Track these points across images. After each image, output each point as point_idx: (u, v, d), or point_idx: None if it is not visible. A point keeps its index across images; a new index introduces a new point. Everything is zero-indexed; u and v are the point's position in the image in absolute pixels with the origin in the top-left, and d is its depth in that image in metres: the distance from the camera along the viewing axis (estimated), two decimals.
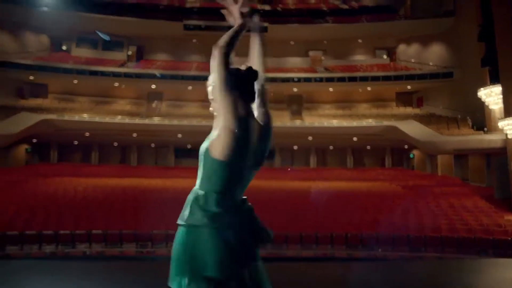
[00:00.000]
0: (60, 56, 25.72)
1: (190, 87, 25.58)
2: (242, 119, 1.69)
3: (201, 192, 1.68)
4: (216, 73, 1.70)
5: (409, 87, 25.34)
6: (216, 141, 1.68)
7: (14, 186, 14.86)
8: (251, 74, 1.85)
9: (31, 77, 23.84)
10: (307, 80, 25.23)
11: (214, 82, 1.75)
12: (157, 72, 24.90)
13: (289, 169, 24.31)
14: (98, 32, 23.44)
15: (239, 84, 1.75)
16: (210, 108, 1.82)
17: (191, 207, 1.67)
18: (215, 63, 1.70)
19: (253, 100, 1.82)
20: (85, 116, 23.00)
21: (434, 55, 25.26)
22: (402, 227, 10.73)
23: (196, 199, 1.68)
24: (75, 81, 24.42)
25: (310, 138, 23.88)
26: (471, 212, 12.42)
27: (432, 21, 24.10)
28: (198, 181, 1.73)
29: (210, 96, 1.82)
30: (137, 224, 10.62)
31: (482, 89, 16.95)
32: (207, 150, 1.71)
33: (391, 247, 10.09)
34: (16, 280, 4.41)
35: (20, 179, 16.28)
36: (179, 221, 1.68)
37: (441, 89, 24.34)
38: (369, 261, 9.55)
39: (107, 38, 24.31)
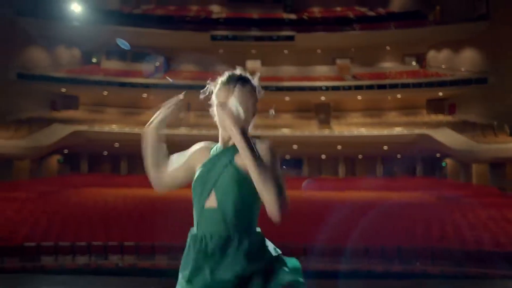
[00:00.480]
0: (90, 69, 26.27)
1: None
2: None
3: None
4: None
5: (440, 93, 24.67)
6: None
7: (47, 197, 15.10)
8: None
9: (63, 90, 24.43)
10: (335, 88, 24.91)
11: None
12: (184, 83, 25.09)
13: (304, 185, 23.30)
14: (118, 41, 23.76)
15: None
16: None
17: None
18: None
19: None
20: (115, 127, 23.33)
21: (466, 60, 24.54)
22: (440, 240, 10.28)
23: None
24: (105, 93, 24.87)
25: (339, 147, 23.50)
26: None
27: (464, 26, 23.46)
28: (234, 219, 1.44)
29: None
30: (169, 235, 10.55)
31: None
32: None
33: (431, 261, 9.65)
34: None
35: (53, 190, 16.56)
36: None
37: (474, 95, 23.57)
38: (409, 277, 9.16)
39: (127, 47, 24.57)
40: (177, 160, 1.65)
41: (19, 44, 23.41)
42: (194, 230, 1.49)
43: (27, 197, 14.60)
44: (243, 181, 1.41)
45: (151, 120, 1.69)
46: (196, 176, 1.51)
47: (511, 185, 19.63)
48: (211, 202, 1.44)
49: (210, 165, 1.49)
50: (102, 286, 5.07)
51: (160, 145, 1.70)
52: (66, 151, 24.26)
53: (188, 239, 1.51)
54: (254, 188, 1.36)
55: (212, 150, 1.56)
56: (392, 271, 9.61)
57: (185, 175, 1.61)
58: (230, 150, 1.49)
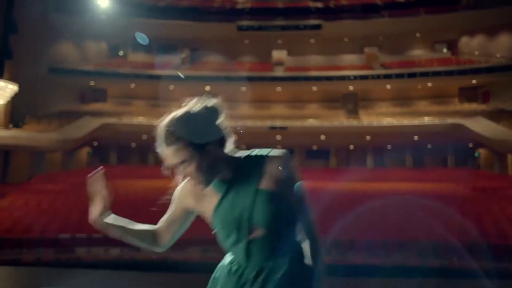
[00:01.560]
0: (117, 62, 26.53)
1: (244, 88, 25.51)
2: None
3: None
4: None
5: (474, 81, 23.81)
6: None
7: (79, 188, 15.35)
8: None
9: (92, 83, 24.78)
10: (363, 77, 24.38)
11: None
12: (210, 74, 25.07)
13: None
14: (137, 36, 23.78)
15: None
16: None
17: None
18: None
19: None
20: (142, 120, 23.54)
21: (502, 46, 23.57)
22: (479, 235, 9.91)
23: None
24: (132, 85, 25.08)
25: (367, 137, 23.05)
26: None
27: (499, 10, 22.49)
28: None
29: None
30: (200, 228, 10.54)
31: None
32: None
33: (470, 256, 9.30)
34: None
35: (84, 182, 16.81)
36: None
37: (510, 82, 22.65)
38: (445, 272, 8.86)
39: (146, 41, 24.55)
40: (168, 218, 1.54)
41: (49, 40, 23.82)
42: (234, 268, 1.37)
43: (61, 189, 14.89)
44: (281, 203, 1.31)
45: (93, 215, 1.45)
46: (218, 219, 1.39)
47: None
48: (256, 234, 1.31)
49: (231, 201, 1.36)
50: (136, 280, 5.06)
51: (128, 228, 1.53)
52: (95, 143, 24.67)
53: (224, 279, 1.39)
54: (291, 206, 1.33)
55: (201, 188, 1.39)
56: (428, 266, 9.34)
57: (184, 224, 1.56)
58: (246, 179, 1.35)
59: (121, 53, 28.46)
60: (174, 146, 1.31)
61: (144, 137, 23.77)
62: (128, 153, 26.78)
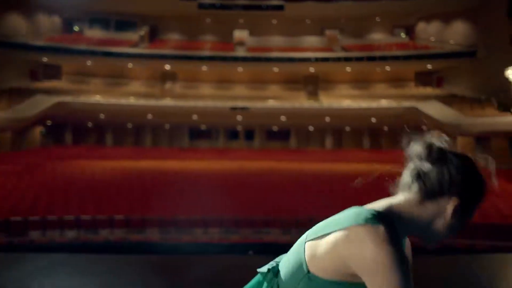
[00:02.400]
0: (73, 37, 25.38)
1: (204, 68, 25.17)
2: None
3: None
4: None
5: (429, 66, 24.61)
6: None
7: (32, 169, 14.75)
8: None
9: (45, 59, 23.59)
10: (325, 60, 24.63)
11: None
12: (170, 52, 24.50)
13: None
14: None
15: None
16: None
17: None
18: None
19: None
20: (99, 98, 22.79)
21: (457, 33, 24.40)
22: None
23: None
24: (89, 62, 24.13)
25: (327, 119, 23.43)
26: (501, 196, 12.01)
27: None
28: None
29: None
30: (160, 208, 10.43)
31: (509, 68, 16.30)
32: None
33: None
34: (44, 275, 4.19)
35: (37, 162, 16.19)
36: None
37: (463, 68, 23.58)
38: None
39: None
40: None
41: None
42: None
43: (12, 170, 14.24)
44: None
45: None
46: None
47: (494, 157, 19.94)
48: None
49: None
50: (92, 263, 4.95)
51: None
52: (49, 122, 23.68)
53: None
54: None
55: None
56: None
57: None
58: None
59: (76, 28, 27.21)
60: None
61: (102, 116, 23.13)
62: (85, 133, 25.93)
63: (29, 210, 9.95)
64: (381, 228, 0.89)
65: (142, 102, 22.86)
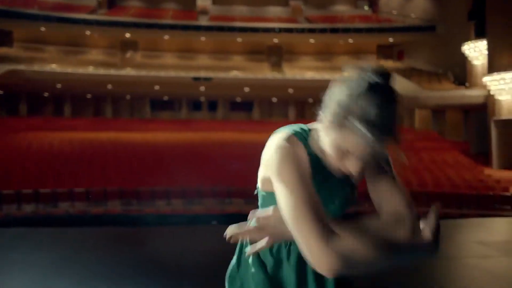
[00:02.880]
0: (24, 1, 23.89)
1: (166, 36, 24.48)
2: None
3: None
4: None
5: (391, 39, 25.02)
6: None
7: None
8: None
9: None
10: (288, 30, 24.50)
11: None
12: (130, 20, 23.62)
13: None
14: None
15: None
16: None
17: None
18: None
19: None
20: (55, 67, 21.80)
21: (418, 7, 24.83)
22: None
23: None
24: (43, 29, 22.90)
25: (290, 90, 23.54)
26: (453, 167, 12.64)
27: None
28: None
29: None
30: (121, 180, 10.30)
31: (466, 44, 16.82)
32: None
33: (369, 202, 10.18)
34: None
35: None
36: None
37: (423, 43, 24.15)
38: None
39: None
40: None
41: None
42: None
43: None
44: None
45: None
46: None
47: (449, 130, 20.83)
48: None
49: None
50: (52, 237, 4.87)
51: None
52: (1, 92, 22.52)
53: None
54: None
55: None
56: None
57: None
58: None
59: None
60: None
61: (59, 85, 22.20)
62: (41, 103, 24.89)
63: None
64: (291, 137, 0.97)
65: (101, 71, 22.07)
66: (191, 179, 10.23)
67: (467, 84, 19.19)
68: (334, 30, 24.23)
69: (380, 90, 0.88)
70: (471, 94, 17.34)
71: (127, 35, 24.36)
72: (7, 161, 11.35)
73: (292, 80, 23.42)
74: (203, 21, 25.05)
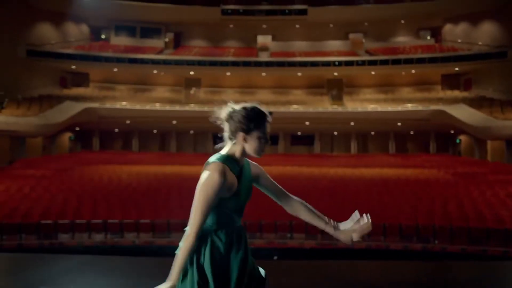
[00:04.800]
0: (100, 45, 25.99)
1: (228, 73, 25.34)
2: None
3: None
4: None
5: (456, 68, 24.07)
6: None
7: (61, 174, 15.12)
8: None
9: (73, 66, 24.26)
10: (349, 63, 24.39)
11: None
12: (194, 58, 24.77)
13: None
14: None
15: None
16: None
17: None
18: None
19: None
20: (126, 104, 23.21)
21: (485, 34, 23.82)
22: (459, 218, 10.12)
23: None
24: (115, 69, 24.65)
25: (352, 123, 23.18)
26: None
27: None
28: None
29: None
30: (184, 213, 10.51)
31: None
32: None
33: (450, 239, 9.52)
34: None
35: (66, 167, 16.58)
36: None
37: (492, 70, 22.98)
38: (428, 255, 9.06)
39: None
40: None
41: (28, 20, 23.15)
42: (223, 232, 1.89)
43: (42, 175, 14.64)
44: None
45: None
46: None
47: None
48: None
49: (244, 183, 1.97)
50: (119, 265, 5.03)
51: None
52: (77, 128, 24.27)
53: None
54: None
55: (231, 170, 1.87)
56: (410, 249, 9.52)
57: None
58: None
59: (103, 36, 27.88)
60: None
61: (128, 122, 23.55)
62: (112, 138, 26.46)
63: (59, 214, 10.18)
64: (217, 164, 1.79)
65: (167, 107, 23.16)
66: (251, 212, 10.21)
67: None
68: (395, 61, 23.78)
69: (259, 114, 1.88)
70: None
71: (191, 72, 25.52)
72: (80, 193, 12.03)
73: (353, 112, 23.11)
74: (264, 57, 25.69)
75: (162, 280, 1.85)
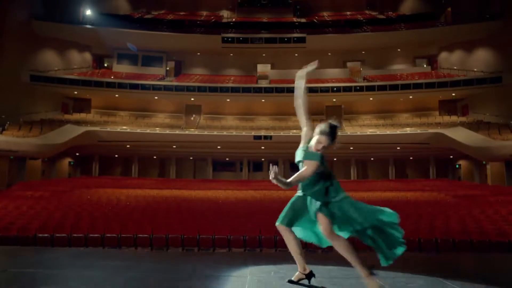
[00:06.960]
0: (102, 72, 26.43)
1: (228, 100, 25.62)
2: None
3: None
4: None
5: (453, 94, 24.40)
6: None
7: (60, 194, 15.05)
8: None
9: (75, 92, 24.57)
10: (347, 89, 24.73)
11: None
12: (195, 85, 25.11)
13: None
14: (128, 45, 23.82)
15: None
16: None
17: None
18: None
19: None
20: (126, 128, 23.35)
21: (479, 61, 24.30)
22: (462, 232, 10.02)
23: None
24: (117, 95, 24.95)
25: (351, 148, 23.25)
26: None
27: (477, 26, 23.28)
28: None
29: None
30: (183, 229, 10.38)
31: None
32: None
33: (453, 252, 9.39)
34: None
35: (65, 189, 16.52)
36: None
37: (488, 95, 23.29)
38: None
39: (135, 50, 24.33)
40: None
41: (32, 47, 23.65)
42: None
43: (41, 196, 14.57)
44: None
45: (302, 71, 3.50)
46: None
47: None
48: None
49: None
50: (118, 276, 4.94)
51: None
52: (77, 154, 24.30)
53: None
54: None
55: None
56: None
57: None
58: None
59: (106, 64, 28.38)
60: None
61: (128, 146, 23.61)
62: (111, 164, 26.45)
63: (56, 228, 10.07)
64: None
65: (167, 131, 23.29)
66: (251, 229, 10.13)
67: None
68: (393, 87, 24.13)
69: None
70: None
71: (192, 99, 25.81)
72: (79, 210, 11.94)
73: (352, 136, 23.21)
74: (263, 84, 26.05)
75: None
